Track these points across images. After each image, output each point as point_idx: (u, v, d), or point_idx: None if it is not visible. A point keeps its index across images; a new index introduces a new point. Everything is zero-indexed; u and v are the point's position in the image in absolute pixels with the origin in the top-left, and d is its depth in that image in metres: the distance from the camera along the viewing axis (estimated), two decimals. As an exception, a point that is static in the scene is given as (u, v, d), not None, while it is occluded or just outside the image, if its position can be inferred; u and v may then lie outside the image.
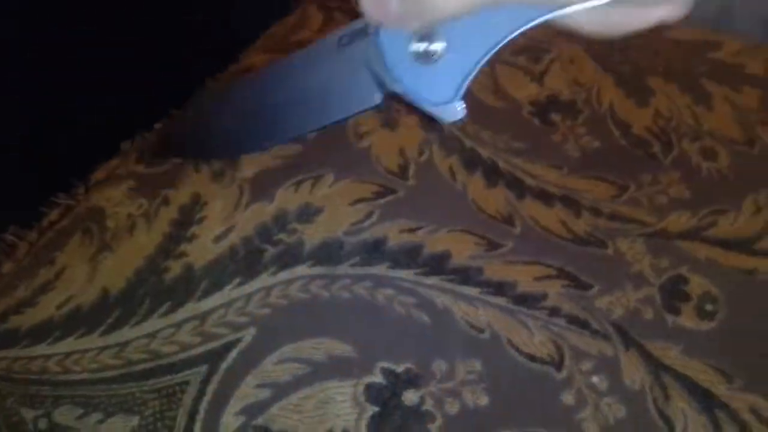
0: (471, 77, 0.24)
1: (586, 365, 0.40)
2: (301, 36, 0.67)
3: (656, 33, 0.68)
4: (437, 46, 0.24)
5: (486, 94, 0.58)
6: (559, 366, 0.40)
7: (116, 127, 0.59)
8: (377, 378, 0.39)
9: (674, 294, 0.44)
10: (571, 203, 0.49)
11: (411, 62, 0.24)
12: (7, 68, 0.58)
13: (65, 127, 0.59)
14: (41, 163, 0.57)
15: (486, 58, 0.24)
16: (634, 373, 0.40)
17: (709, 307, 0.44)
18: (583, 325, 0.42)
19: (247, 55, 0.67)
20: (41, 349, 0.40)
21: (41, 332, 0.40)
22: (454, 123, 0.49)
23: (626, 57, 0.64)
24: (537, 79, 0.60)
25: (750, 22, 0.80)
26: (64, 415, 0.37)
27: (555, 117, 0.56)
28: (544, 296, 0.43)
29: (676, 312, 0.43)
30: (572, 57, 0.62)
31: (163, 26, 0.69)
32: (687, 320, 0.43)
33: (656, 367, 0.41)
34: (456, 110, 0.25)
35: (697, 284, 0.45)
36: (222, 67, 0.67)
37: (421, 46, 0.24)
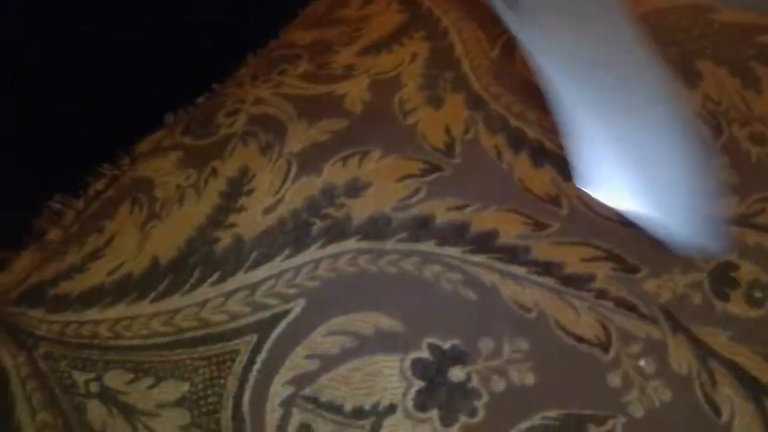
0: None
1: (634, 348, 0.40)
2: (344, 13, 0.66)
3: (703, 16, 0.67)
4: None
5: (532, 73, 0.58)
6: (606, 348, 0.40)
7: (159, 100, 0.60)
8: (424, 353, 0.39)
9: (723, 280, 0.44)
10: (619, 186, 0.48)
11: None
12: (46, 40, 0.58)
13: (109, 99, 0.59)
14: (86, 134, 0.57)
15: None
16: (682, 358, 0.40)
17: (758, 294, 0.43)
18: (631, 308, 0.42)
19: (288, 32, 0.67)
20: (92, 314, 0.40)
21: (92, 297, 0.41)
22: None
23: (673, 39, 0.63)
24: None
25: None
26: (114, 379, 0.38)
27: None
28: (592, 278, 0.43)
29: (725, 298, 0.43)
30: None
31: (204, 1, 0.70)
32: (736, 307, 0.43)
33: (704, 352, 0.40)
34: None
35: (746, 271, 0.44)
36: (263, 43, 0.67)
37: None
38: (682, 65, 0.60)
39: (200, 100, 0.60)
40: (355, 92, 0.53)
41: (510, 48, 0.61)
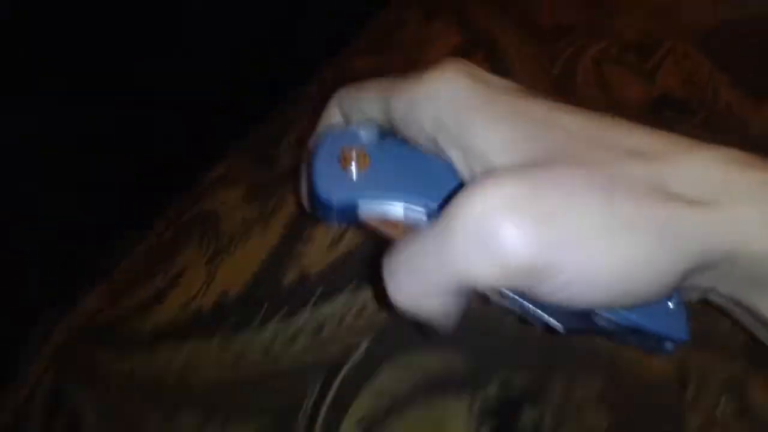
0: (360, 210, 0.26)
1: (713, 386, 0.38)
2: (403, 34, 0.66)
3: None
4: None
5: (593, 91, 0.56)
6: (683, 386, 0.38)
7: (223, 131, 0.60)
8: (493, 393, 0.38)
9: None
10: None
11: None
12: (122, 85, 0.59)
13: (175, 136, 0.60)
14: (155, 170, 0.58)
15: None
16: (765, 398, 0.38)
17: None
18: (708, 344, 0.40)
19: (347, 57, 0.67)
20: (162, 352, 0.41)
21: (162, 335, 0.41)
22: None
23: (744, 54, 0.60)
24: (647, 78, 0.58)
25: None
26: (186, 419, 0.38)
27: (669, 114, 0.54)
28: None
29: None
30: (686, 52, 0.59)
31: (268, 29, 0.70)
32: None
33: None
34: None
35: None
36: (322, 69, 0.67)
37: None
38: (753, 81, 0.57)
39: (264, 126, 0.60)
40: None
41: (570, 66, 0.59)
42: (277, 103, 0.63)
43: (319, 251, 0.43)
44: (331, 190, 0.25)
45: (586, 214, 0.21)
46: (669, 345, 0.26)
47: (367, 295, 0.41)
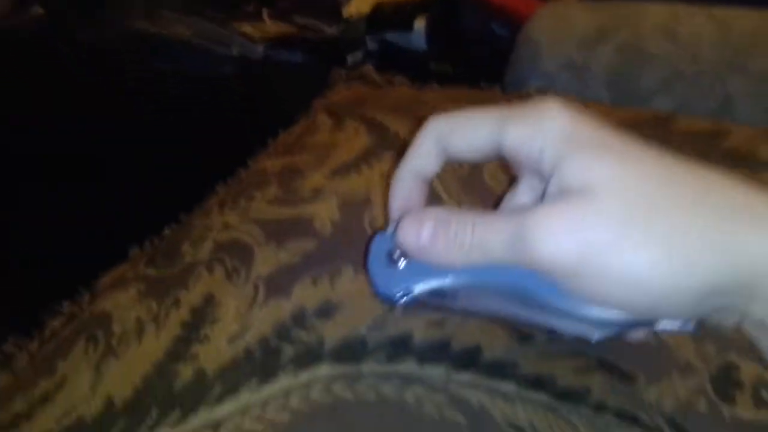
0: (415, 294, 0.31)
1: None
2: (313, 139, 0.66)
3: (663, 126, 0.67)
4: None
5: (502, 188, 0.57)
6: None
7: (124, 232, 0.57)
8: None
9: (726, 382, 0.40)
10: (603, 290, 0.45)
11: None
12: (11, 179, 0.57)
13: (71, 235, 0.57)
14: (44, 271, 0.54)
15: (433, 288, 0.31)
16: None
17: (765, 394, 0.40)
18: (633, 420, 0.38)
19: (257, 160, 0.66)
20: (37, 468, 0.35)
21: (38, 450, 0.36)
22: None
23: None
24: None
25: (752, 113, 0.80)
26: None
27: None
28: (588, 390, 0.39)
29: (731, 401, 0.39)
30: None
31: (172, 132, 0.69)
32: (744, 410, 0.39)
33: (720, 464, 0.36)
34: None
35: (748, 371, 0.41)
36: (231, 172, 0.66)
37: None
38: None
39: (167, 231, 0.57)
40: (324, 213, 0.51)
41: (479, 166, 0.60)
42: (190, 204, 0.61)
43: (217, 347, 0.39)
44: (388, 287, 0.31)
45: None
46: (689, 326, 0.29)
47: (270, 390, 0.37)
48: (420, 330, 0.41)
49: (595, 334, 0.30)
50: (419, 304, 0.32)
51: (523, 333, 0.42)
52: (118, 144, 0.61)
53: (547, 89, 0.83)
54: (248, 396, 0.37)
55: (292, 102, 0.82)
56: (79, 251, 0.53)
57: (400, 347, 0.40)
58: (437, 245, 0.29)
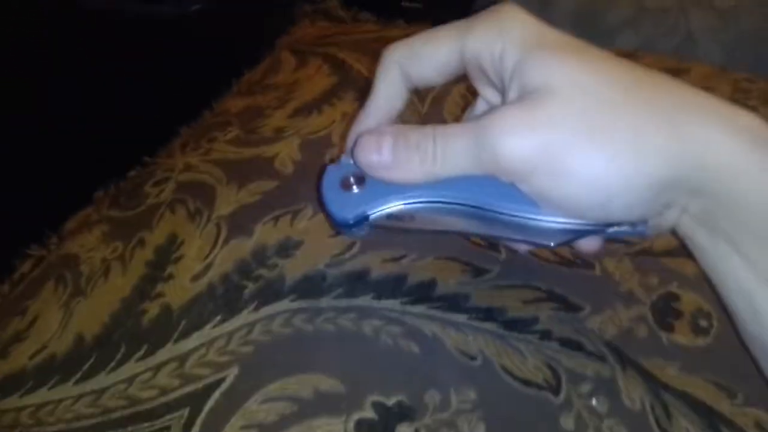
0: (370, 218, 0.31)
1: (584, 388, 0.38)
2: (276, 79, 0.66)
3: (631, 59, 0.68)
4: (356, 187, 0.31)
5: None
6: (556, 390, 0.38)
7: (89, 176, 0.58)
8: (368, 413, 0.36)
9: (666, 311, 0.43)
10: (555, 226, 0.47)
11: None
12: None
13: (36, 179, 0.57)
14: (11, 216, 0.55)
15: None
16: (634, 393, 0.38)
17: (703, 323, 0.42)
18: (577, 346, 0.40)
19: (221, 102, 0.66)
20: (13, 401, 0.37)
21: (13, 384, 0.38)
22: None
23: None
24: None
25: (713, 49, 0.81)
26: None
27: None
28: (535, 320, 0.41)
29: (670, 329, 0.42)
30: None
31: (136, 75, 0.69)
32: (682, 337, 0.41)
33: (655, 385, 0.39)
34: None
35: (688, 300, 0.43)
36: (196, 114, 0.66)
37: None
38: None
39: (131, 173, 0.58)
40: (285, 153, 0.52)
41: (438, 102, 0.61)
42: (154, 149, 0.61)
43: (182, 285, 0.41)
44: (343, 213, 0.30)
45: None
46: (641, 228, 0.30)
47: (233, 325, 0.39)
48: (377, 266, 0.43)
49: (552, 243, 0.30)
50: (375, 228, 0.32)
51: (477, 268, 0.44)
52: (82, 86, 0.61)
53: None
54: (212, 330, 0.39)
55: (257, 40, 0.81)
56: (45, 197, 0.54)
57: (357, 282, 0.42)
58: (399, 158, 0.29)
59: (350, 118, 0.57)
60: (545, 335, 0.40)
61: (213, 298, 0.40)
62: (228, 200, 0.46)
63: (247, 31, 0.84)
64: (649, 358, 0.40)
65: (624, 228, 0.30)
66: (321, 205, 0.31)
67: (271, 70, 0.69)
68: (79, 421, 0.36)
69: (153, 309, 0.40)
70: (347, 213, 0.30)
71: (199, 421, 0.35)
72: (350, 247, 0.43)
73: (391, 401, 0.37)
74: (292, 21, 0.86)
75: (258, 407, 0.36)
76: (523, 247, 0.35)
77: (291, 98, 0.60)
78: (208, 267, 0.41)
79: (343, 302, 0.40)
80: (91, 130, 0.60)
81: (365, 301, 0.41)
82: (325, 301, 0.40)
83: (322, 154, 0.51)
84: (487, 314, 0.41)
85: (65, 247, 0.46)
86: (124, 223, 0.46)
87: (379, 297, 0.41)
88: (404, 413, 0.37)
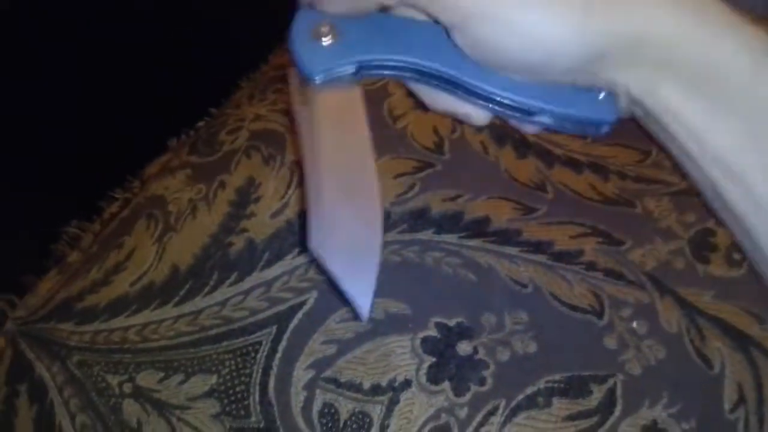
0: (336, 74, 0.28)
1: (625, 312, 0.42)
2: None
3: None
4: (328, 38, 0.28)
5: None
6: (599, 314, 0.42)
7: (162, 127, 0.62)
8: (432, 332, 0.41)
9: (702, 245, 0.46)
10: (599, 168, 0.51)
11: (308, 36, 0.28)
12: (57, 79, 0.61)
13: (118, 129, 0.62)
14: (97, 163, 0.59)
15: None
16: (671, 318, 0.42)
17: (736, 255, 0.45)
18: (619, 276, 0.44)
19: (277, 55, 0.69)
20: (119, 321, 0.42)
21: (118, 307, 0.43)
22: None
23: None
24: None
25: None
26: (146, 378, 0.39)
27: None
28: (581, 252, 0.45)
29: (706, 261, 0.45)
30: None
31: (196, 30, 0.72)
32: (717, 268, 0.45)
33: (691, 311, 0.42)
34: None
35: (723, 236, 0.46)
36: (254, 67, 0.70)
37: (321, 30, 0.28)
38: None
39: (200, 124, 0.62)
40: (346, 103, 0.55)
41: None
42: (217, 100, 0.65)
43: (262, 222, 0.45)
44: (311, 65, 0.28)
45: None
46: (605, 128, 0.29)
47: (310, 256, 0.43)
48: (436, 204, 0.47)
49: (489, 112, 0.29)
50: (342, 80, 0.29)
51: (526, 206, 0.48)
52: (150, 51, 0.65)
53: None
54: (293, 260, 0.43)
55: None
56: (124, 146, 0.59)
57: (419, 219, 0.46)
58: None
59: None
60: (590, 266, 0.44)
61: (292, 232, 0.44)
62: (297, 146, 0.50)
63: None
64: (686, 287, 0.44)
65: (577, 112, 0.28)
66: (290, 52, 0.29)
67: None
68: (179, 337, 0.41)
69: (239, 242, 0.44)
70: (316, 66, 0.28)
71: (285, 337, 0.40)
72: (411, 187, 0.47)
73: (452, 322, 0.41)
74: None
75: (336, 325, 0.40)
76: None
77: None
78: (285, 206, 0.46)
79: (407, 236, 0.44)
80: (161, 86, 0.64)
81: (426, 235, 0.45)
82: (390, 236, 0.44)
83: (380, 103, 0.55)
84: (537, 247, 0.45)
85: (150, 189, 0.51)
86: (204, 167, 0.50)
87: (438, 232, 0.45)
88: (464, 332, 0.41)
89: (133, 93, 0.65)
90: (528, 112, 0.29)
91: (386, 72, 0.29)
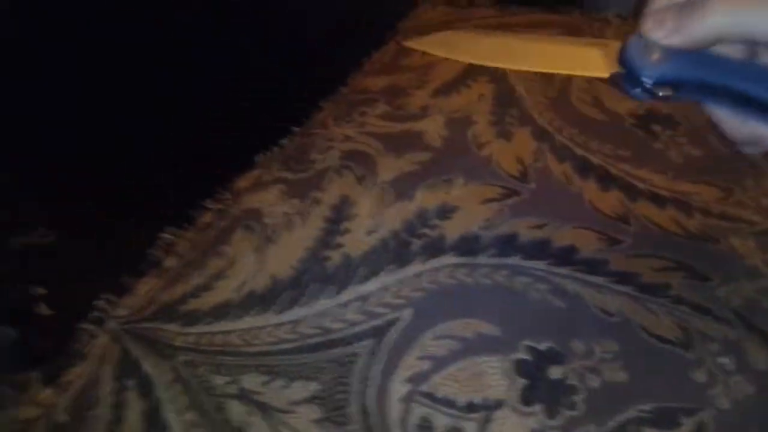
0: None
1: (713, 347, 0.42)
2: (408, 61, 0.71)
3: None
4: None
5: (588, 108, 0.62)
6: (687, 347, 0.42)
7: (248, 142, 0.65)
8: (523, 354, 0.42)
9: (788, 285, 0.46)
10: (682, 204, 0.51)
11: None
12: (152, 98, 0.64)
13: (208, 144, 0.65)
14: (188, 174, 0.62)
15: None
16: (758, 355, 0.42)
17: (822, 298, 0.46)
18: (706, 311, 0.44)
19: (357, 79, 0.72)
20: (223, 325, 0.44)
21: (221, 311, 0.44)
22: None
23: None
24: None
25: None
26: (250, 381, 0.41)
27: (656, 128, 0.59)
28: (667, 286, 0.45)
29: (791, 302, 0.45)
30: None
31: (280, 52, 0.75)
32: (802, 309, 0.45)
33: (778, 350, 0.43)
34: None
35: (808, 277, 0.47)
36: (334, 89, 0.72)
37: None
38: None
39: (284, 141, 0.64)
40: (432, 129, 0.57)
41: (565, 87, 0.65)
42: (297, 119, 0.67)
43: (358, 238, 0.47)
44: (641, 68, 0.31)
45: None
46: None
47: (405, 273, 0.45)
48: (523, 231, 0.48)
49: None
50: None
51: (611, 237, 0.48)
52: (237, 72, 0.68)
53: (625, 12, 0.86)
54: (387, 277, 0.44)
55: (380, 22, 0.87)
56: (215, 159, 0.61)
57: (507, 244, 0.47)
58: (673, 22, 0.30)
59: (487, 99, 0.62)
60: (677, 300, 0.45)
61: (386, 250, 0.46)
62: (389, 168, 0.52)
63: (370, 13, 0.90)
64: (773, 326, 0.44)
65: None
66: (621, 63, 0.33)
67: (401, 53, 0.74)
68: (280, 344, 0.42)
69: (335, 257, 0.46)
70: (645, 72, 0.32)
71: (382, 350, 0.41)
72: (500, 213, 0.49)
73: (542, 346, 0.42)
74: (413, 4, 0.91)
75: (430, 342, 0.42)
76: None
77: (429, 79, 0.65)
78: (379, 224, 0.47)
79: (497, 260, 0.46)
80: (245, 104, 0.67)
81: (515, 260, 0.46)
82: (481, 259, 0.46)
83: (465, 130, 0.56)
84: (624, 278, 0.46)
85: (244, 202, 0.53)
86: (297, 183, 0.52)
87: (527, 258, 0.46)
88: (554, 357, 0.42)
89: (222, 111, 0.68)
90: None
91: (707, 96, 0.32)
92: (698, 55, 0.31)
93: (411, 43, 0.42)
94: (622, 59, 0.33)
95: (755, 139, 0.33)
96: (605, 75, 0.33)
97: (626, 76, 0.33)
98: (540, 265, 0.46)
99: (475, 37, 0.36)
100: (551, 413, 0.39)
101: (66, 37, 0.60)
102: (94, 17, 0.61)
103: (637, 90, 0.32)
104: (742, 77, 0.30)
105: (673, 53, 0.31)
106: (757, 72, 0.30)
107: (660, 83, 0.32)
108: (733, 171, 0.55)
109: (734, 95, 0.31)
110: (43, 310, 0.47)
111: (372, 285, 0.44)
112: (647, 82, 0.32)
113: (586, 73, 0.34)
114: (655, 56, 0.31)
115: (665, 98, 0.32)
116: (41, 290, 0.48)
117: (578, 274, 0.45)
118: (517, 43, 0.37)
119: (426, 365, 0.40)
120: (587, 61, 0.34)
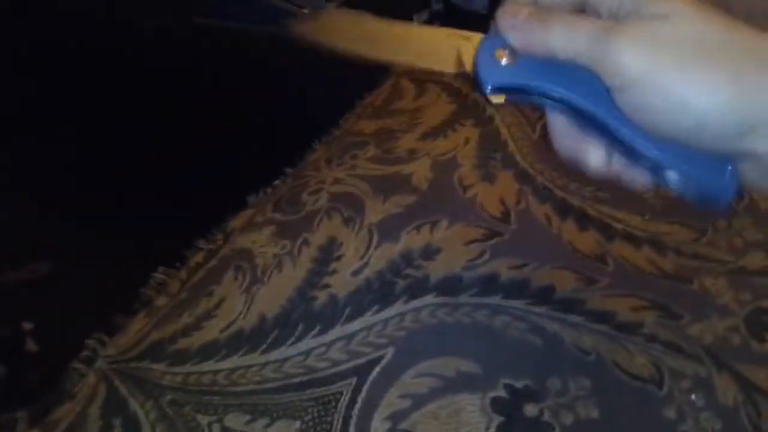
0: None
1: (684, 384, 0.44)
2: (401, 105, 0.74)
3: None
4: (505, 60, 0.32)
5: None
6: (659, 384, 0.44)
7: (240, 183, 0.67)
8: (500, 392, 0.43)
9: (758, 323, 0.48)
10: (657, 244, 0.53)
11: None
12: (150, 139, 0.66)
13: (200, 185, 0.67)
14: (181, 215, 0.64)
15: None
16: (728, 392, 0.44)
17: (791, 335, 0.47)
18: (678, 349, 0.46)
19: (350, 121, 0.74)
20: (210, 365, 0.45)
21: (209, 351, 0.46)
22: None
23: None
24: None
25: None
26: (234, 420, 0.42)
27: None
28: (641, 324, 0.47)
29: (761, 339, 0.47)
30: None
31: (272, 94, 0.78)
32: (772, 347, 0.47)
33: (747, 386, 0.44)
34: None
35: (778, 316, 0.48)
36: (325, 130, 0.75)
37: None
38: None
39: (277, 182, 0.66)
40: (420, 171, 0.59)
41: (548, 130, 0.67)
42: (291, 160, 0.70)
43: (344, 278, 0.49)
44: (486, 75, 0.32)
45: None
46: (723, 202, 0.29)
47: (388, 313, 0.47)
48: (504, 271, 0.50)
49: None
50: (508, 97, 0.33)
51: (588, 277, 0.50)
52: (229, 116, 0.70)
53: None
54: (371, 317, 0.46)
55: (373, 66, 0.89)
56: (206, 201, 0.63)
57: (488, 284, 0.49)
58: (528, 25, 0.31)
59: (472, 142, 0.64)
60: (651, 338, 0.46)
61: (371, 290, 0.48)
62: (376, 210, 0.54)
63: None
64: (742, 363, 0.45)
65: (706, 177, 0.30)
66: (473, 66, 0.33)
67: (393, 96, 0.77)
68: (265, 383, 0.44)
69: (322, 296, 0.48)
70: (488, 79, 0.32)
71: (365, 389, 0.43)
72: (482, 254, 0.50)
73: (519, 384, 0.43)
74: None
75: (411, 380, 0.43)
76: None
77: (418, 123, 0.67)
78: (364, 265, 0.49)
79: (477, 300, 0.47)
80: (238, 146, 0.69)
81: (496, 299, 0.48)
82: (462, 298, 0.47)
83: (451, 173, 0.59)
84: (600, 317, 0.47)
85: (236, 242, 0.55)
86: (288, 225, 0.54)
87: (507, 297, 0.48)
88: (530, 395, 0.43)
89: (213, 154, 0.70)
90: (660, 166, 0.30)
91: (547, 101, 0.32)
92: (544, 64, 0.32)
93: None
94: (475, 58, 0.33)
95: (578, 157, 0.32)
96: (453, 71, 0.34)
97: (474, 77, 0.33)
98: (519, 304, 0.47)
99: (356, 20, 0.36)
100: (527, 449, 0.40)
101: (64, 91, 0.63)
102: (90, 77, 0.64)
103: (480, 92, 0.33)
104: (582, 94, 0.31)
105: (522, 57, 0.32)
106: (596, 90, 0.30)
107: (498, 90, 0.32)
108: (707, 211, 0.57)
109: (574, 110, 0.31)
110: (31, 346, 0.48)
111: (357, 324, 0.46)
112: (487, 88, 0.32)
113: (439, 68, 0.34)
114: (504, 59, 0.32)
115: (498, 105, 0.33)
116: (28, 325, 0.50)
117: (556, 314, 0.47)
118: (382, 28, 0.36)
119: (406, 403, 0.42)
120: (444, 54, 0.34)
